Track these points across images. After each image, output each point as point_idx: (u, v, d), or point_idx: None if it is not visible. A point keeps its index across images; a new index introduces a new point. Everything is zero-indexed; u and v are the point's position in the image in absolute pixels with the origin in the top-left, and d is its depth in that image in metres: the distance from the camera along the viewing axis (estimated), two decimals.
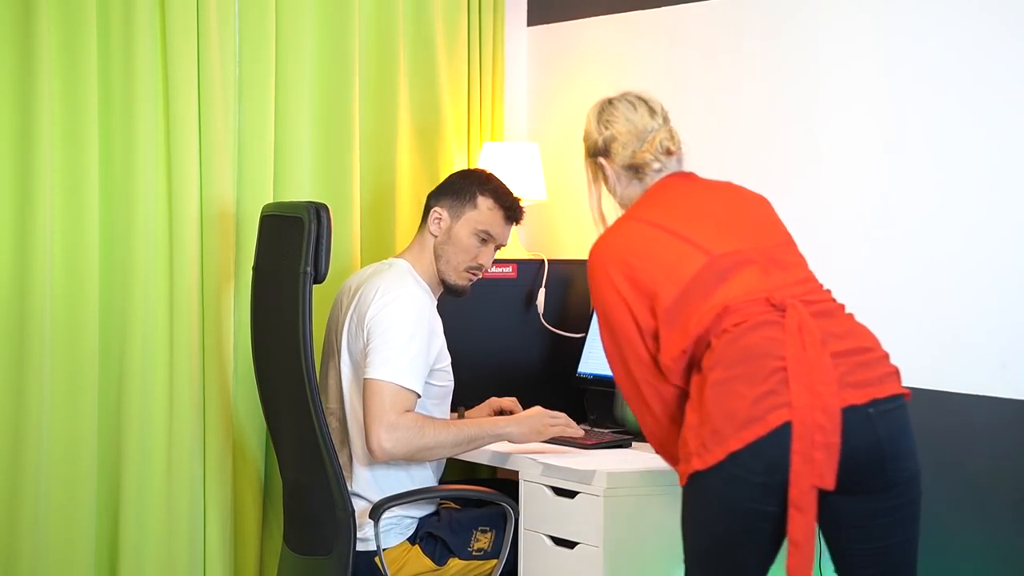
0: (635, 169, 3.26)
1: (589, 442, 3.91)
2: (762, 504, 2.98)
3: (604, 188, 3.32)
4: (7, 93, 3.95)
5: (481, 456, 3.93)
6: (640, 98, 3.30)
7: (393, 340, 3.69)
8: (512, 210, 3.91)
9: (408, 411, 3.67)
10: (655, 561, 3.57)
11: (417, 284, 3.83)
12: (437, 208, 3.90)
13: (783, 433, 2.93)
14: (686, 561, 3.10)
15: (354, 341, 3.80)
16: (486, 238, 3.89)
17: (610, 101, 3.30)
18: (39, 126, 3.95)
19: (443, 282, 3.90)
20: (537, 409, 3.82)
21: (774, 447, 2.94)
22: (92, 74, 4.03)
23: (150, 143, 4.10)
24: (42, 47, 3.95)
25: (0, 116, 3.95)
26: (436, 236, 3.89)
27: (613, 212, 3.32)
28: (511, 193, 3.94)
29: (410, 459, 3.72)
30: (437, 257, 3.88)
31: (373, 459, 3.71)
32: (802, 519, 2.94)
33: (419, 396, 3.73)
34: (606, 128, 3.27)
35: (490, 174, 3.97)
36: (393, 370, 3.66)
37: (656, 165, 3.25)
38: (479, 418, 3.98)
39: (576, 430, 3.84)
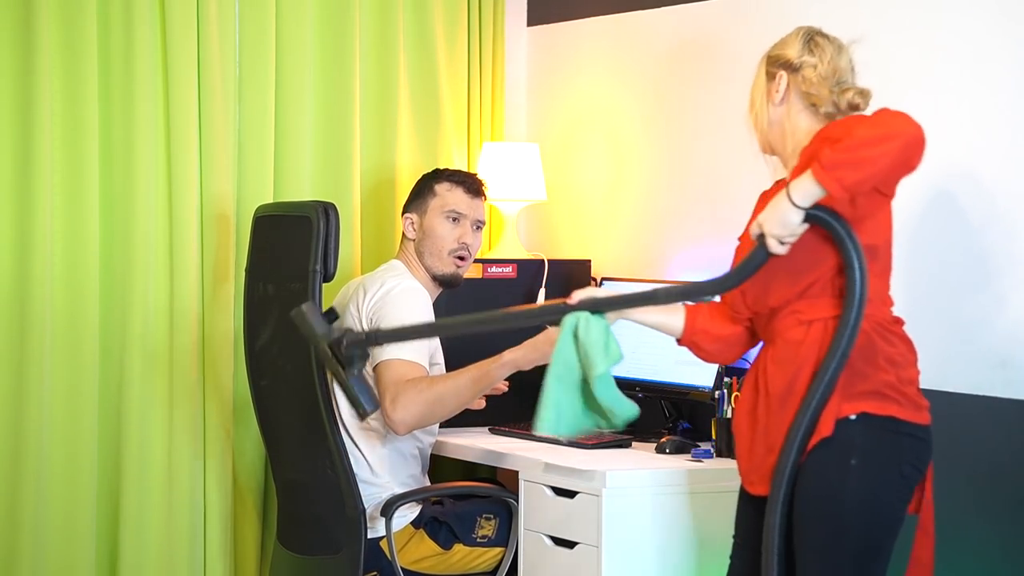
0: (812, 102, 3.16)
1: (589, 442, 3.92)
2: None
3: (780, 103, 3.21)
4: (7, 93, 3.96)
5: (481, 456, 3.95)
6: (843, 45, 3.21)
7: (397, 323, 3.75)
8: (469, 182, 4.05)
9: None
10: (654, 561, 3.57)
11: (414, 279, 3.94)
12: (407, 215, 4.05)
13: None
14: (849, 550, 2.96)
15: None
16: (456, 217, 4.00)
17: (821, 32, 3.21)
18: (39, 126, 3.96)
19: (435, 277, 4.00)
20: (542, 334, 3.81)
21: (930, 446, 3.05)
22: (92, 74, 4.04)
23: (150, 143, 4.10)
24: (42, 46, 3.95)
25: (0, 116, 3.96)
26: (414, 238, 4.02)
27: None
28: (464, 171, 4.11)
29: (429, 418, 3.76)
30: (420, 255, 4.00)
31: (398, 434, 3.77)
32: (928, 542, 3.05)
33: (427, 370, 3.80)
34: (810, 54, 3.17)
35: (440, 168, 4.14)
36: (398, 349, 3.74)
37: (831, 110, 3.14)
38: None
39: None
